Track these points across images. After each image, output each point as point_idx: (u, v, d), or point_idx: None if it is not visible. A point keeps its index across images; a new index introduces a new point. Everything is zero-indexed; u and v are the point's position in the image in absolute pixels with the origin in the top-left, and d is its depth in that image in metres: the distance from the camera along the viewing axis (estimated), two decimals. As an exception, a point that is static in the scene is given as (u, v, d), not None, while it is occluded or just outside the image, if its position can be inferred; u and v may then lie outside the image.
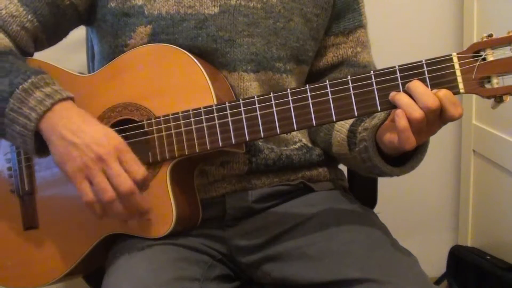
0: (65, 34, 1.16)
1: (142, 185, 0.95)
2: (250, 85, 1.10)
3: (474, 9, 1.76)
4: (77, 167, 0.93)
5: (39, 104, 0.95)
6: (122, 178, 0.92)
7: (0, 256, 1.13)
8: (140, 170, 0.94)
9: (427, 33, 1.88)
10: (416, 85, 0.90)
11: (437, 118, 0.90)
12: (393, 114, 0.92)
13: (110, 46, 1.12)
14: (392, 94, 0.91)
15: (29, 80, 0.96)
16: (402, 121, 0.89)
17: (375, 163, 1.01)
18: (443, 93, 0.89)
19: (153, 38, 1.07)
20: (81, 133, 0.94)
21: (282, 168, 1.13)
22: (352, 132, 1.07)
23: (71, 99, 0.98)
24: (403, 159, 1.01)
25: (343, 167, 1.24)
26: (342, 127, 1.10)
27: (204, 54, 1.07)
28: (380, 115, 1.00)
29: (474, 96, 1.79)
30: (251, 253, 1.10)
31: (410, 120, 0.89)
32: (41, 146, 0.98)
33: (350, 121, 1.09)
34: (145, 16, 1.08)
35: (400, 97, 0.90)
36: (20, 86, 0.95)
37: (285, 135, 1.14)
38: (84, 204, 0.95)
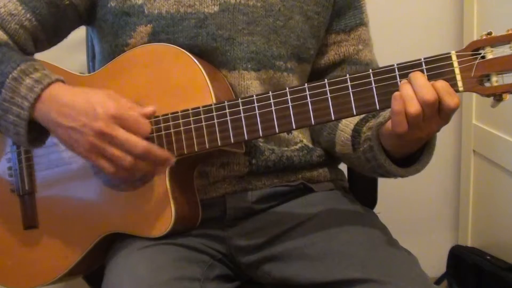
0: (65, 34, 1.16)
1: (152, 134, 0.97)
2: (250, 83, 1.10)
3: (474, 8, 1.76)
4: (85, 148, 0.94)
5: (29, 91, 0.95)
6: (131, 141, 0.93)
7: (0, 256, 1.14)
8: (145, 127, 0.95)
9: (427, 32, 1.88)
10: (417, 76, 0.89)
11: (435, 113, 0.89)
12: None
13: (110, 45, 1.12)
14: (402, 81, 0.91)
15: (18, 68, 0.97)
16: (398, 104, 0.89)
17: (380, 162, 1.01)
18: (440, 84, 0.88)
19: (153, 37, 1.07)
20: (74, 114, 0.94)
21: (282, 169, 1.13)
22: (356, 131, 1.07)
23: (61, 81, 0.98)
24: (409, 162, 1.01)
25: (343, 167, 1.24)
26: (346, 127, 1.10)
27: (204, 53, 1.07)
28: (385, 114, 1.00)
29: (474, 96, 1.80)
30: (251, 253, 1.10)
31: (406, 113, 0.89)
32: (38, 135, 0.98)
33: (355, 121, 1.09)
34: (145, 15, 1.08)
35: (405, 87, 0.90)
36: (10, 75, 0.96)
37: (286, 135, 1.14)
38: (110, 177, 0.97)
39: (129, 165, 0.94)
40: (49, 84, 0.96)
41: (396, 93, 0.89)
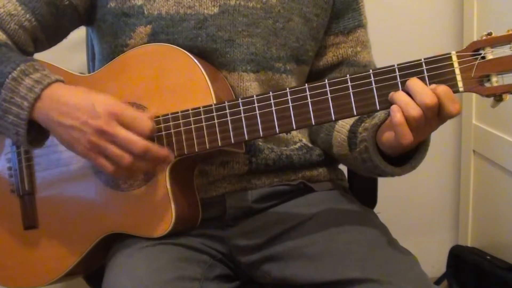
0: (65, 34, 1.16)
1: (153, 135, 0.96)
2: (250, 85, 1.10)
3: (474, 8, 1.76)
4: (85, 147, 0.94)
5: (29, 92, 0.95)
6: (131, 140, 0.93)
7: (0, 256, 1.14)
8: (145, 124, 0.95)
9: (427, 32, 1.88)
10: (414, 83, 0.89)
11: (435, 115, 0.90)
12: None
13: (110, 46, 1.12)
14: (391, 93, 0.91)
15: (18, 68, 0.97)
16: (397, 116, 0.89)
17: (376, 163, 1.01)
18: (442, 89, 0.88)
19: (153, 38, 1.07)
20: (74, 112, 0.94)
21: (282, 168, 1.13)
22: (352, 132, 1.07)
23: (61, 81, 0.98)
24: (404, 159, 1.01)
25: (343, 167, 1.24)
26: (343, 127, 1.10)
27: (204, 54, 1.07)
28: (380, 115, 1.00)
29: (474, 96, 1.80)
30: (251, 253, 1.10)
31: (407, 118, 0.89)
32: (37, 136, 0.98)
33: (351, 121, 1.09)
34: (145, 16, 1.08)
35: (398, 96, 0.90)
36: (10, 75, 0.96)
37: (285, 135, 1.14)
38: (110, 175, 0.98)
39: (128, 164, 0.94)
40: (49, 84, 0.96)
41: (393, 106, 0.90)
